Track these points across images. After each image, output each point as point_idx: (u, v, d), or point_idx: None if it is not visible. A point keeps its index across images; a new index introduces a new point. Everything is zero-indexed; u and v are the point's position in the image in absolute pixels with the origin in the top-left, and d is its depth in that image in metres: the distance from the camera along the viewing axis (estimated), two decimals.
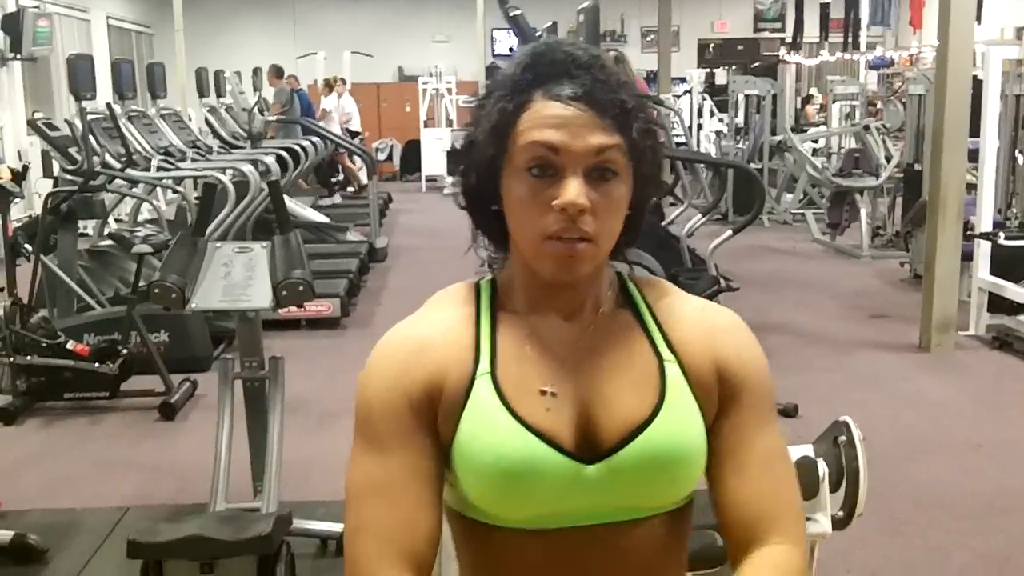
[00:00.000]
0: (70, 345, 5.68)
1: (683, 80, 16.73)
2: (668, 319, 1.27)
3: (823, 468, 2.89)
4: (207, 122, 9.87)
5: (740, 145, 13.61)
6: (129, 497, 4.55)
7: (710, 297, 5.73)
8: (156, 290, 3.38)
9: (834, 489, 2.96)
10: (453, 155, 16.09)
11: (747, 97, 13.61)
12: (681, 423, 1.22)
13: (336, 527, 3.93)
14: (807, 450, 2.97)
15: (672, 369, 1.23)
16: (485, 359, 1.22)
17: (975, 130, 6.99)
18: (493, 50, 18.51)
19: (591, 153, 1.16)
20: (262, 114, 10.79)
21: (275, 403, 3.65)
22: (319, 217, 10.71)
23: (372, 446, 1.23)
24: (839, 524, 2.95)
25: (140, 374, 5.84)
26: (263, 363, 3.64)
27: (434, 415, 1.22)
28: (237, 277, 3.46)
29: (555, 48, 1.21)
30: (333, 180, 15.30)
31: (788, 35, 17.99)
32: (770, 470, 1.26)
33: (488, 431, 1.19)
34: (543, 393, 1.20)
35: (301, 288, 3.40)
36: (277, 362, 3.66)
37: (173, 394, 5.69)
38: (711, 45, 21.02)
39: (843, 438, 2.96)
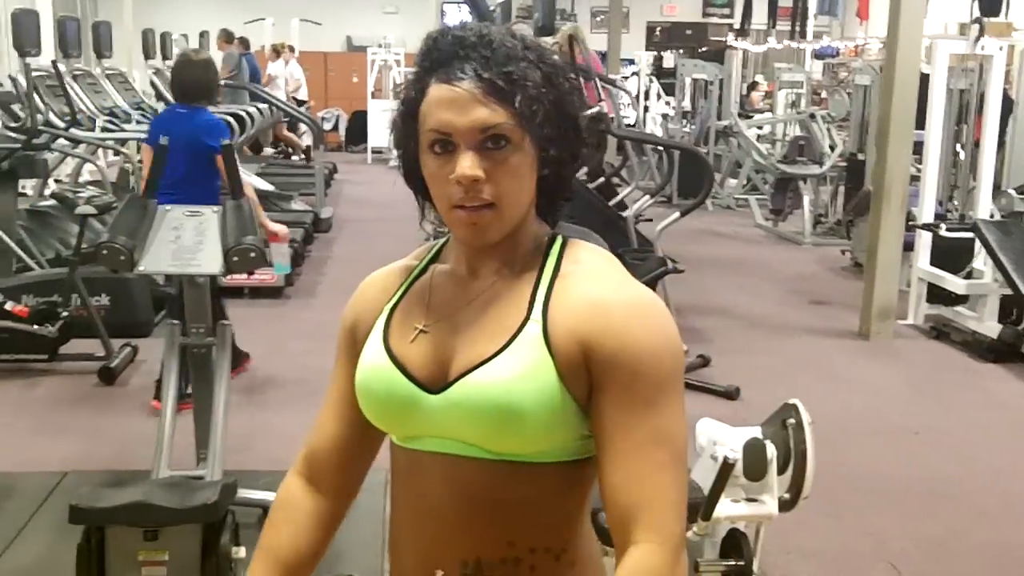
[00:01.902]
0: (8, 306, 5.57)
1: (631, 62, 16.76)
2: (562, 285, 1.32)
3: (771, 450, 2.93)
4: (152, 84, 9.68)
5: (686, 128, 13.68)
6: (66, 462, 4.47)
7: (656, 278, 5.78)
8: (104, 251, 3.32)
9: (781, 471, 3.00)
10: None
11: (694, 81, 13.68)
12: (516, 373, 1.26)
13: None
14: (756, 432, 3.01)
15: (532, 328, 1.29)
16: (394, 299, 1.41)
17: (919, 123, 7.10)
18: (443, 23, 18.34)
19: (476, 128, 1.26)
20: None
21: (221, 370, 3.61)
22: (264, 185, 10.57)
23: (334, 362, 1.50)
24: (785, 506, 2.99)
25: (80, 338, 5.74)
26: (210, 329, 3.59)
27: (356, 344, 1.43)
28: (187, 241, 3.41)
29: (446, 34, 1.32)
30: (276, 150, 15.10)
31: (736, 21, 18.10)
32: (645, 457, 1.26)
33: (366, 355, 1.39)
34: (414, 329, 1.36)
35: (253, 254, 3.36)
36: (225, 328, 3.63)
37: (113, 359, 5.61)
38: (659, 28, 21.08)
39: (792, 420, 3.00)
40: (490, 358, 1.28)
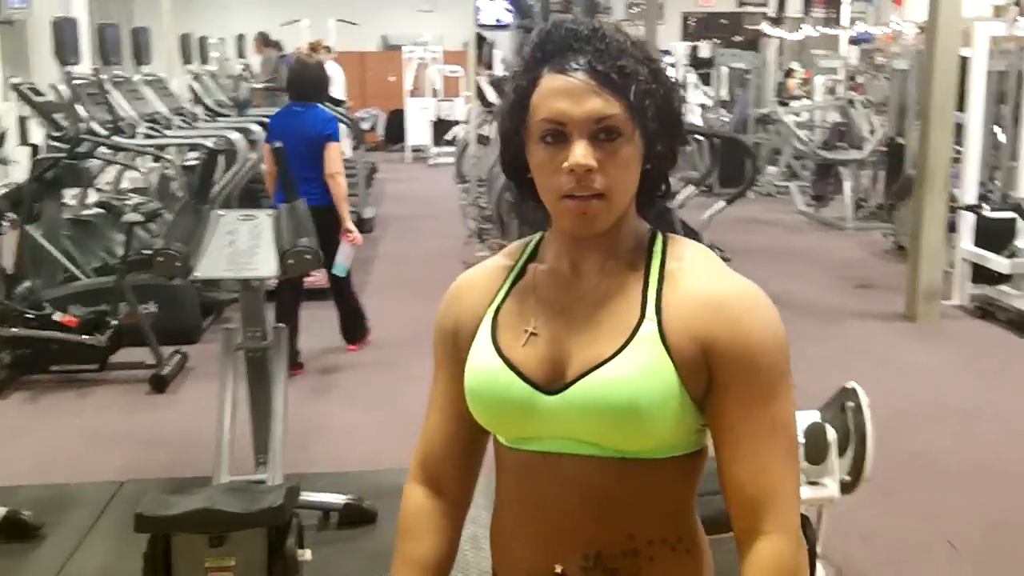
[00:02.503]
0: (56, 316, 5.56)
1: (667, 53, 16.69)
2: (671, 282, 1.33)
3: (831, 433, 2.94)
4: (191, 88, 9.76)
5: (724, 118, 13.61)
6: (122, 471, 4.51)
7: None
8: (160, 258, 3.35)
9: (841, 454, 3.01)
10: (440, 124, 16.00)
11: (731, 70, 13.60)
12: (638, 372, 1.28)
13: (338, 498, 3.94)
14: (815, 416, 3.02)
15: (648, 327, 1.30)
16: (497, 301, 1.41)
17: (958, 105, 7.04)
18: (479, 20, 18.37)
19: (591, 119, 1.27)
20: (247, 81, 10.68)
21: (278, 373, 3.64)
22: None
23: (435, 357, 1.49)
24: (847, 488, 3.00)
25: (129, 346, 5.77)
26: (266, 333, 3.63)
27: (459, 348, 1.43)
28: (242, 245, 3.44)
29: (559, 26, 1.33)
30: None
31: (771, 9, 17.98)
32: (767, 449, 1.30)
33: (475, 358, 1.39)
34: (525, 331, 1.36)
35: (308, 256, 3.39)
36: (280, 331, 3.65)
37: (164, 366, 5.64)
38: (695, 18, 20.95)
39: (851, 403, 3.01)
40: (610, 358, 1.29)
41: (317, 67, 6.00)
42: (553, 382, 1.32)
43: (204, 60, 10.55)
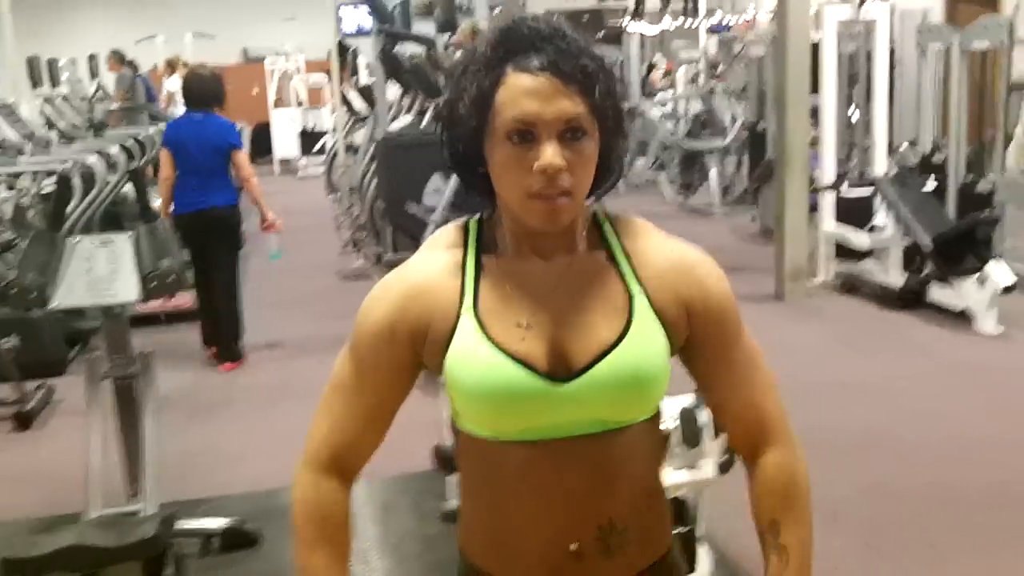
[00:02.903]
0: None
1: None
2: (638, 257, 1.42)
3: (704, 416, 2.98)
4: (43, 113, 9.43)
5: None
6: None
7: None
8: (13, 290, 3.22)
9: (716, 435, 3.06)
10: (307, 135, 15.81)
11: None
12: (645, 346, 1.37)
13: (219, 523, 3.84)
14: (688, 400, 3.06)
15: (640, 300, 1.39)
16: (468, 297, 1.39)
17: (813, 89, 7.27)
18: (341, 28, 18.21)
19: (561, 120, 1.30)
20: (102, 102, 10.37)
21: (147, 400, 3.54)
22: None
23: (354, 356, 1.45)
24: (724, 468, 3.05)
25: None
26: (132, 359, 3.52)
27: (415, 353, 1.42)
28: (101, 271, 3.33)
29: (520, 24, 1.35)
30: None
31: (631, 4, 18.23)
32: (751, 382, 1.48)
33: (471, 358, 1.37)
34: (519, 326, 1.37)
35: (172, 278, 3.31)
36: (147, 357, 3.55)
37: (28, 401, 5.44)
38: (556, 16, 21.11)
39: None
40: (620, 338, 1.36)
41: (212, 76, 6.27)
42: (560, 370, 1.36)
43: (55, 83, 10.18)
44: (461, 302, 1.39)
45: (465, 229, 1.46)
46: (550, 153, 1.30)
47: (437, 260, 1.43)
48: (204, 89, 6.06)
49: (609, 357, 1.35)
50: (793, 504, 1.50)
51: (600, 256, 1.42)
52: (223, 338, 6.17)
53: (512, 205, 1.36)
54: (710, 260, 1.47)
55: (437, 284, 1.41)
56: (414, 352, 1.42)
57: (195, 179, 5.90)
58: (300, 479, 1.49)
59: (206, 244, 5.87)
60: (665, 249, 1.45)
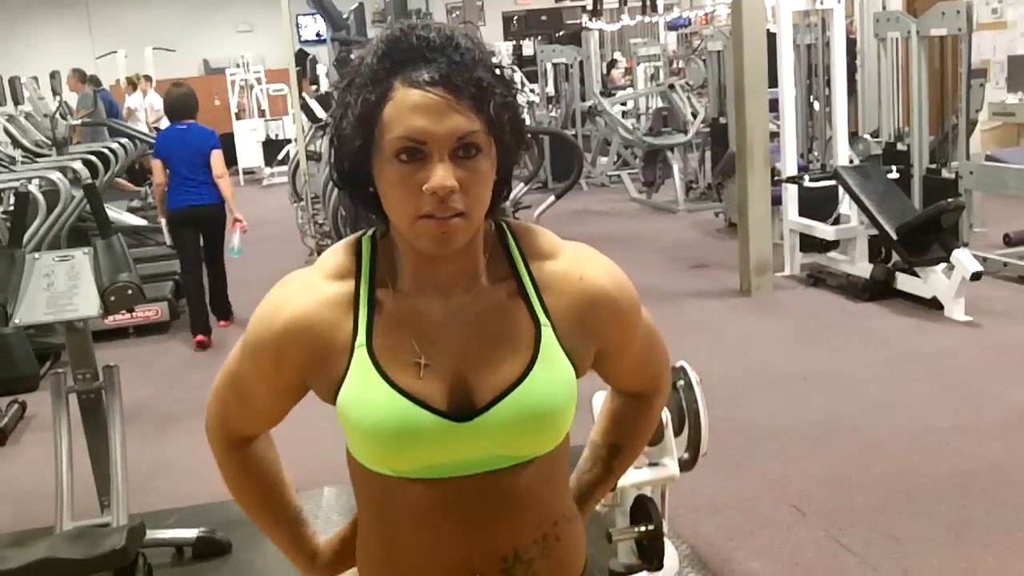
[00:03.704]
0: None
1: (492, 54, 16.83)
2: (546, 285, 1.35)
3: (665, 415, 3.02)
4: (6, 131, 9.38)
5: (553, 113, 13.83)
6: None
7: None
8: None
9: (677, 433, 3.10)
10: (270, 144, 15.76)
11: (555, 66, 13.83)
12: (551, 380, 1.31)
13: (190, 533, 3.85)
14: None
15: (547, 333, 1.32)
16: (362, 334, 1.30)
17: (773, 82, 7.33)
18: (300, 36, 18.20)
19: (453, 137, 1.21)
20: (64, 119, 10.31)
21: (113, 413, 3.55)
22: (135, 220, 10.33)
23: (244, 364, 1.40)
24: (686, 466, 3.09)
25: None
26: (97, 373, 3.53)
27: (304, 382, 1.36)
28: (61, 287, 3.34)
29: (409, 34, 1.25)
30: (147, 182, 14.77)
31: (589, 2, 18.33)
32: (649, 352, 1.52)
33: (365, 396, 1.29)
34: (416, 364, 1.30)
35: (130, 292, 3.32)
36: (112, 370, 3.56)
37: (1, 418, 5.43)
38: (515, 17, 21.22)
39: (681, 382, 3.10)
40: (524, 374, 1.30)
41: (188, 91, 7.15)
42: (460, 409, 1.29)
43: (17, 101, 10.12)
44: (354, 339, 1.31)
45: (358, 251, 1.36)
46: (441, 174, 1.21)
47: (327, 292, 1.33)
48: (185, 103, 6.96)
49: (513, 394, 1.29)
50: (638, 442, 1.62)
51: (504, 288, 1.34)
52: (217, 302, 7.17)
53: (402, 227, 1.27)
54: (613, 275, 1.40)
55: (328, 320, 1.32)
56: (301, 381, 1.36)
57: (185, 181, 6.79)
58: (213, 448, 1.53)
59: (197, 234, 6.94)
60: (573, 276, 1.36)
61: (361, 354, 1.30)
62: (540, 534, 1.37)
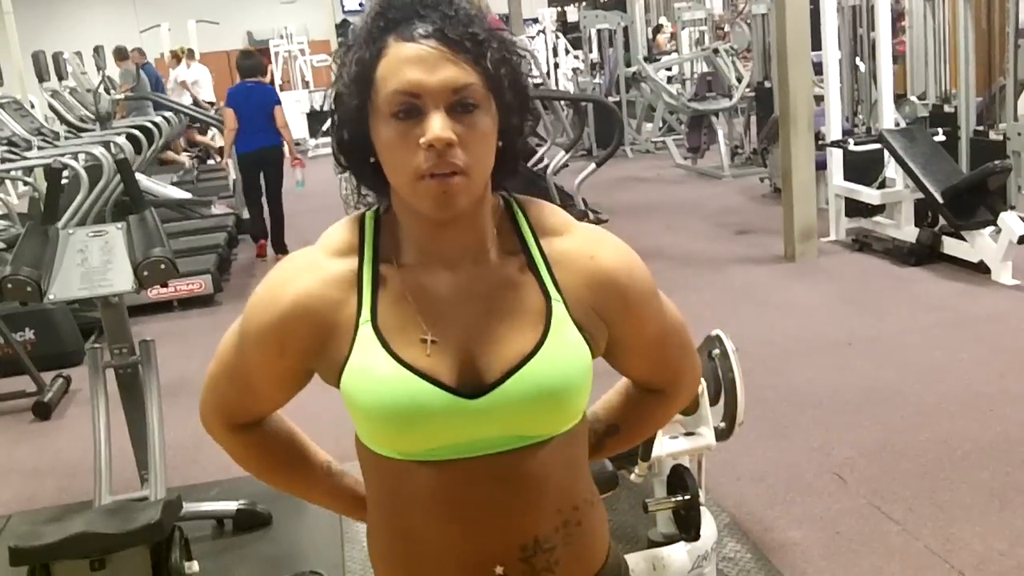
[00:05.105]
0: None
1: (535, 21, 16.72)
2: (557, 261, 1.30)
3: (701, 384, 2.97)
4: (51, 107, 9.48)
5: (597, 80, 13.70)
6: (8, 504, 4.37)
7: None
8: (9, 285, 3.24)
9: (714, 402, 3.05)
10: (315, 115, 15.80)
11: (599, 32, 13.70)
12: (564, 355, 1.27)
13: (231, 505, 3.88)
14: None
15: (558, 307, 1.28)
16: (367, 310, 1.26)
17: (817, 45, 7.19)
18: (343, 6, 18.19)
19: (448, 89, 1.18)
20: (108, 94, 10.40)
21: (150, 387, 3.56)
22: (180, 193, 10.43)
23: (242, 350, 1.35)
24: (722, 435, 3.04)
25: (8, 375, 5.63)
26: (133, 348, 3.54)
27: (308, 366, 1.32)
28: (95, 262, 3.35)
29: None
30: (192, 155, 14.92)
31: None
32: (663, 347, 1.43)
33: (371, 374, 1.25)
34: (423, 340, 1.25)
35: (163, 266, 3.31)
36: (148, 345, 3.57)
37: (46, 392, 5.48)
38: None
39: (717, 351, 3.05)
40: (535, 349, 1.25)
41: (256, 55, 8.85)
42: (470, 386, 1.25)
43: (61, 77, 10.21)
44: (359, 315, 1.27)
45: (360, 227, 1.32)
46: (437, 125, 1.17)
47: (331, 270, 1.29)
48: (251, 65, 8.43)
49: (524, 370, 1.24)
50: (640, 434, 1.59)
51: (515, 262, 1.30)
52: (274, 236, 8.48)
53: (403, 191, 1.23)
54: (626, 260, 1.35)
55: (332, 299, 1.28)
56: (306, 365, 1.32)
57: (250, 128, 8.13)
58: (216, 440, 1.49)
59: (260, 172, 8.35)
60: (583, 255, 1.32)
61: (366, 331, 1.26)
62: (561, 520, 1.32)
